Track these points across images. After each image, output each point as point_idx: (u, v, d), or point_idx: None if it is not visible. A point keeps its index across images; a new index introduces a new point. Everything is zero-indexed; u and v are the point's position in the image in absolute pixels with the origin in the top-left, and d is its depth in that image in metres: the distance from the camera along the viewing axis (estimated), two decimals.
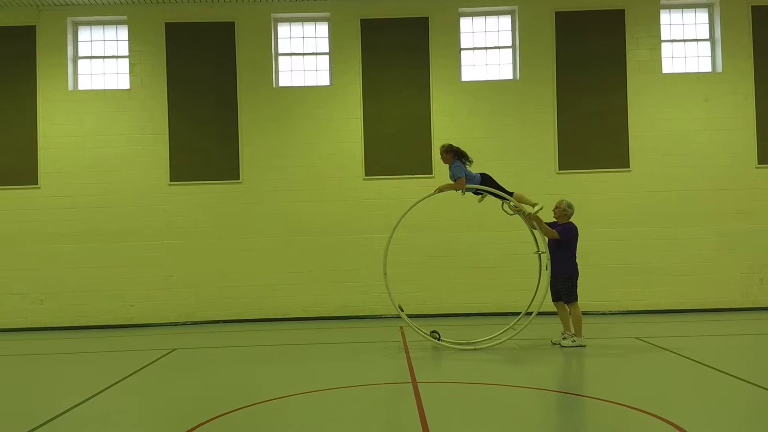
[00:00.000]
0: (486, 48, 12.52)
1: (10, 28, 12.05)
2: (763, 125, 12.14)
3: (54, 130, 12.05)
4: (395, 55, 12.23)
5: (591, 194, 11.99)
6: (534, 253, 8.89)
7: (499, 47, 12.52)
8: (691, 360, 7.56)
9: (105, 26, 12.41)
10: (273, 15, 12.28)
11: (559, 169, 12.14)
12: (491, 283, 11.88)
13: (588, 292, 11.99)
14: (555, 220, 8.80)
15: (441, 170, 12.07)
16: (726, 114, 12.19)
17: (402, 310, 8.58)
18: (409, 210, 8.47)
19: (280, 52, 12.47)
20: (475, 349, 8.47)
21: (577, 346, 8.48)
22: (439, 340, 8.63)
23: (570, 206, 8.76)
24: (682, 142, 12.16)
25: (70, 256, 11.90)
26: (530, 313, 8.56)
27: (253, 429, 5.41)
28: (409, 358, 8.08)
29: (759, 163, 12.12)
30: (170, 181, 12.10)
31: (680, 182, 12.10)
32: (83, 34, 12.43)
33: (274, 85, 12.26)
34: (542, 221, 8.54)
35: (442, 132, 12.09)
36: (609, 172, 12.14)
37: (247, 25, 12.21)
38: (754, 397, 6.03)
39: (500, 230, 11.54)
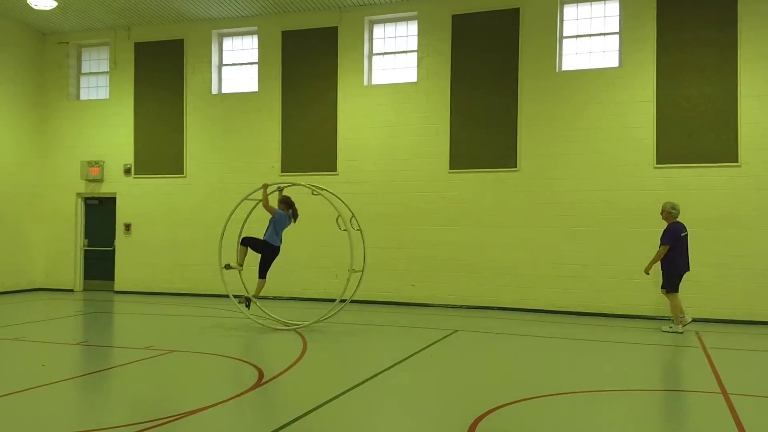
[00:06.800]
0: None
1: (316, 29, 13.43)
2: None
3: (350, 123, 13.18)
4: (695, 33, 11.05)
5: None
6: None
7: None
8: None
9: (397, 23, 13.23)
10: None
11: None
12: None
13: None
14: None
15: (745, 156, 10.67)
16: None
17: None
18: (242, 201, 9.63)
19: (565, 35, 12.05)
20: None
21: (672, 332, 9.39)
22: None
23: (674, 207, 9.52)
24: None
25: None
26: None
27: (543, 424, 5.27)
28: (712, 365, 7.24)
29: None
30: (450, 169, 12.48)
31: None
32: (377, 31, 13.39)
33: (557, 70, 11.91)
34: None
35: (751, 115, 10.64)
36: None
37: (531, 11, 12.00)
38: None
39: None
